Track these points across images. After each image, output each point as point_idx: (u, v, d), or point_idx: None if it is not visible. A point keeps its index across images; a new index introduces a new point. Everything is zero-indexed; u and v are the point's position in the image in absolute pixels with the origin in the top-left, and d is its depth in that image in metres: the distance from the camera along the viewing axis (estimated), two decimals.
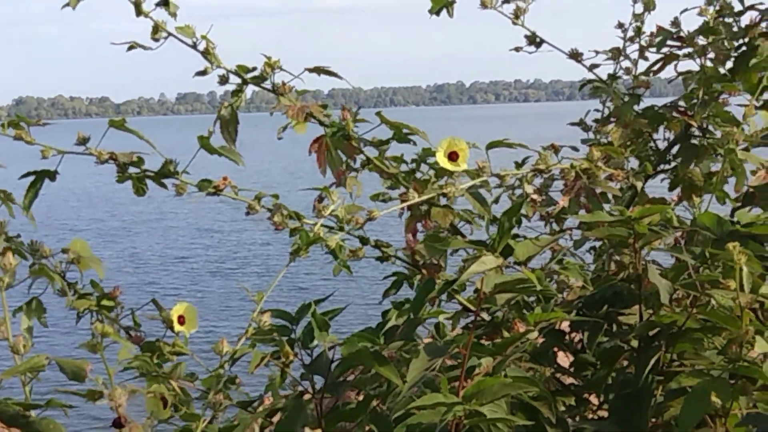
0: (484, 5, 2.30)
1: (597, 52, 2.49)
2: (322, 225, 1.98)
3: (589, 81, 2.53)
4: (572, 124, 2.63)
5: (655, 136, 2.43)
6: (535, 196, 2.27)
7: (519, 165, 2.33)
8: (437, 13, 2.35)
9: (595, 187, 2.10)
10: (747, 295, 1.71)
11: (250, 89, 2.15)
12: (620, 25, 2.56)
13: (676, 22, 2.37)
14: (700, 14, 2.34)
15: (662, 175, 2.45)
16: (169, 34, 2.02)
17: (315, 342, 2.06)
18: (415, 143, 2.25)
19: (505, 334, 2.13)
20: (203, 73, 2.07)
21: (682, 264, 1.98)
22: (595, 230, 1.98)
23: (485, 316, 2.21)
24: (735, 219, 2.02)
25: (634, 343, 2.04)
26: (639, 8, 2.55)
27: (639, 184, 2.34)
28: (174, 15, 2.00)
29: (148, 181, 2.14)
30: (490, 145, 2.09)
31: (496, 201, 2.35)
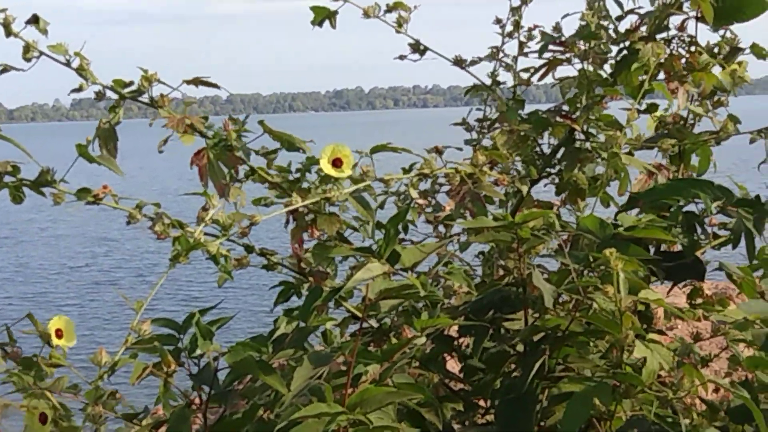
0: (366, 14, 2.29)
1: (480, 59, 2.50)
2: (207, 234, 1.94)
3: (474, 86, 2.54)
4: (455, 124, 2.64)
5: (540, 140, 2.45)
6: (420, 201, 2.27)
7: (406, 170, 2.32)
8: (320, 24, 2.34)
9: (480, 191, 2.10)
10: (626, 299, 1.73)
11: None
12: (498, 21, 2.57)
13: (557, 27, 2.39)
14: (582, 19, 2.36)
15: (548, 179, 2.46)
16: (41, 53, 1.97)
17: (200, 351, 2.03)
18: (304, 151, 2.23)
19: (394, 340, 2.12)
20: (78, 90, 2.03)
21: (566, 268, 2.00)
22: (480, 235, 1.98)
23: (374, 322, 2.19)
24: (617, 222, 2.05)
25: (521, 348, 2.05)
26: (516, 1, 2.56)
27: (525, 189, 2.35)
28: (45, 32, 1.95)
29: None
30: (374, 150, 2.08)
31: (382, 206, 2.34)
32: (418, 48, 2.40)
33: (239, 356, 1.85)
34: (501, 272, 2.15)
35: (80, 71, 2.01)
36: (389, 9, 2.33)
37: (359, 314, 2.22)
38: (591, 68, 2.35)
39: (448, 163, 2.16)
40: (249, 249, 2.14)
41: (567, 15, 2.38)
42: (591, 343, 2.03)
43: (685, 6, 2.39)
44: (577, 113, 2.36)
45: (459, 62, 2.46)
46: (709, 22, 2.37)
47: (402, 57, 2.43)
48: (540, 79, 2.48)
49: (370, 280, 1.92)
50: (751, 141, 2.34)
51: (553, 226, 1.97)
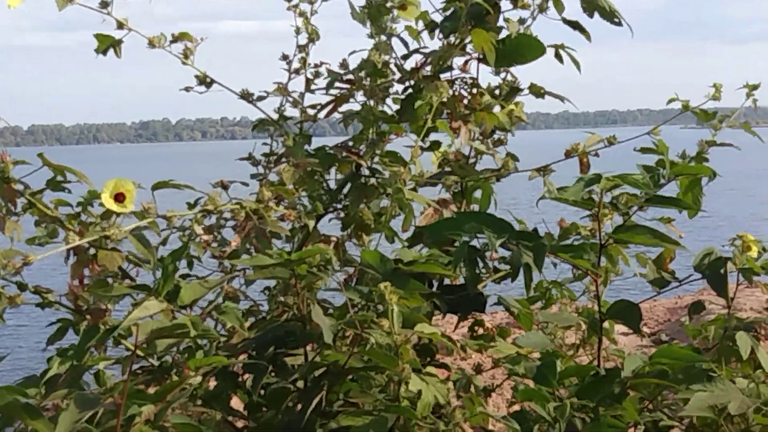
0: (151, 45, 2.24)
1: (267, 93, 2.48)
2: None
3: (261, 121, 2.53)
4: (241, 159, 2.61)
5: (327, 175, 2.45)
6: (205, 237, 2.23)
7: (191, 205, 2.28)
8: (104, 52, 2.28)
9: (266, 227, 2.09)
10: (402, 333, 1.75)
11: None
12: (285, 57, 2.56)
13: (344, 64, 2.41)
14: (369, 57, 2.39)
15: (335, 214, 2.47)
16: None
17: None
18: (87, 184, 2.16)
19: (175, 379, 2.06)
20: None
21: (348, 303, 2.00)
22: (260, 272, 1.96)
23: (154, 361, 2.13)
24: (398, 257, 2.07)
25: (302, 383, 2.03)
26: (303, 39, 2.57)
27: (311, 223, 2.35)
28: None
29: None
30: (156, 186, 2.03)
31: (164, 243, 2.29)
32: (204, 80, 2.37)
33: (4, 400, 1.75)
34: (280, 308, 2.14)
35: None
36: (175, 40, 2.29)
37: (140, 353, 2.16)
38: (377, 105, 2.39)
39: (233, 198, 2.14)
40: (22, 287, 2.05)
41: (354, 52, 2.41)
42: (373, 378, 2.04)
43: (469, 47, 2.47)
44: (363, 149, 2.39)
45: (246, 96, 2.44)
46: (490, 64, 2.45)
47: (188, 89, 2.39)
48: (327, 116, 2.49)
49: (147, 318, 1.87)
50: (530, 178, 2.42)
51: (330, 263, 1.98)
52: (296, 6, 2.56)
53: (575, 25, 2.46)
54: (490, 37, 2.37)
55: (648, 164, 2.27)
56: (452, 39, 2.40)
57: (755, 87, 2.53)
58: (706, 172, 2.35)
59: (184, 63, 2.30)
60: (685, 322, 2.51)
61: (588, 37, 2.47)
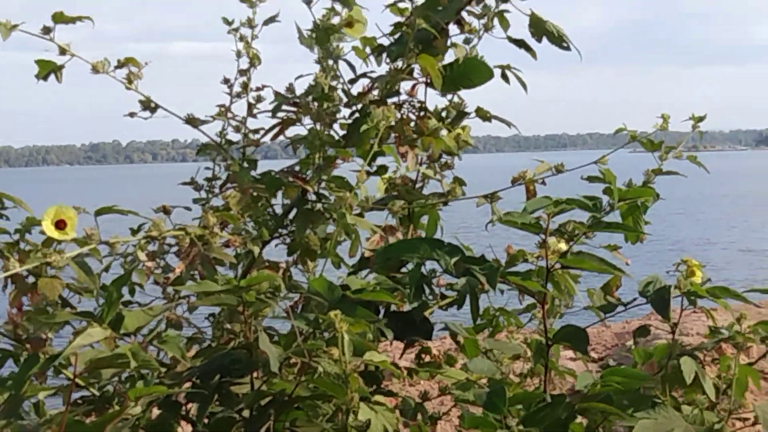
0: (95, 70, 2.21)
1: (212, 118, 2.46)
2: None
3: (204, 145, 2.50)
4: (183, 183, 2.58)
5: (274, 200, 2.43)
6: (149, 264, 2.20)
7: (135, 231, 2.24)
8: (45, 78, 2.24)
9: (211, 253, 2.06)
10: (350, 362, 1.73)
11: None
12: (226, 81, 2.55)
13: (290, 89, 2.39)
14: (317, 80, 2.38)
15: (281, 239, 2.44)
16: None
17: None
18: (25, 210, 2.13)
19: (116, 409, 2.03)
20: None
21: (296, 330, 1.98)
22: (207, 298, 1.93)
23: (95, 391, 2.09)
24: (346, 284, 2.06)
25: (248, 413, 2.00)
26: (244, 63, 2.55)
27: (256, 250, 2.32)
28: None
29: None
30: (99, 212, 2.00)
31: (107, 269, 2.25)
32: (148, 105, 2.34)
33: None
34: (226, 336, 2.11)
35: None
36: (120, 65, 2.26)
37: (81, 383, 2.12)
38: (324, 129, 2.37)
39: (177, 224, 2.11)
40: None
41: (300, 76, 2.39)
42: (320, 407, 2.02)
43: (417, 71, 2.46)
44: (310, 174, 2.37)
45: (191, 121, 2.41)
46: (437, 89, 2.44)
47: (132, 114, 2.36)
48: (273, 139, 2.47)
49: (89, 346, 1.84)
50: (478, 205, 2.42)
51: (279, 289, 1.96)
52: (236, 30, 2.56)
53: (521, 44, 2.47)
54: (438, 62, 2.38)
55: (593, 194, 2.28)
56: (399, 63, 2.39)
57: (701, 119, 2.57)
58: (649, 194, 2.37)
59: (128, 88, 2.27)
60: (631, 347, 2.52)
61: (534, 56, 2.46)
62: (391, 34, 2.43)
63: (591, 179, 2.36)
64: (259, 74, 2.56)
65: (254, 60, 2.53)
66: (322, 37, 2.36)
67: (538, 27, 2.43)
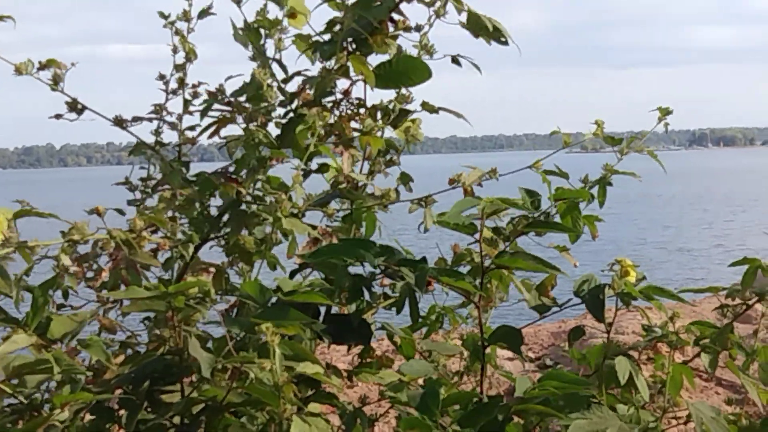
0: (18, 72, 2.15)
1: (142, 119, 2.41)
2: None
3: (137, 145, 2.45)
4: (117, 183, 2.53)
5: (214, 199, 2.38)
6: (75, 268, 2.14)
7: (65, 234, 2.18)
8: None
9: (136, 258, 2.01)
10: (283, 373, 1.69)
11: None
12: (162, 77, 2.49)
13: (221, 89, 2.34)
14: (252, 79, 2.33)
15: (216, 241, 2.39)
16: None
17: None
18: None
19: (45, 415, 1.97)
20: None
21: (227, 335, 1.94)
22: (134, 305, 1.89)
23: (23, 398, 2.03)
24: (278, 287, 2.02)
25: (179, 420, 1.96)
26: (180, 59, 2.50)
27: (188, 253, 2.27)
28: None
29: None
30: (18, 215, 1.95)
31: (27, 273, 2.19)
32: (75, 107, 2.28)
33: None
34: (155, 341, 2.06)
35: None
36: (42, 66, 2.20)
37: (9, 390, 2.06)
38: (258, 129, 2.32)
39: (101, 228, 2.05)
40: None
41: (231, 77, 2.35)
42: (254, 414, 1.98)
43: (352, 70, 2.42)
44: (244, 175, 2.32)
45: (119, 122, 2.35)
46: (372, 88, 2.41)
47: (58, 116, 2.30)
48: (210, 137, 2.42)
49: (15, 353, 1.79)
50: (410, 211, 2.37)
51: (209, 295, 1.91)
52: (172, 23, 2.50)
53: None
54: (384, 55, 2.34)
55: (530, 188, 2.28)
56: (332, 63, 2.35)
57: (635, 138, 2.60)
58: (584, 196, 2.38)
59: (53, 89, 2.21)
60: (565, 347, 2.52)
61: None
62: (324, 32, 2.39)
63: (527, 192, 2.35)
64: (199, 75, 2.51)
65: (190, 54, 2.47)
66: (253, 35, 2.32)
67: (475, 22, 2.39)
